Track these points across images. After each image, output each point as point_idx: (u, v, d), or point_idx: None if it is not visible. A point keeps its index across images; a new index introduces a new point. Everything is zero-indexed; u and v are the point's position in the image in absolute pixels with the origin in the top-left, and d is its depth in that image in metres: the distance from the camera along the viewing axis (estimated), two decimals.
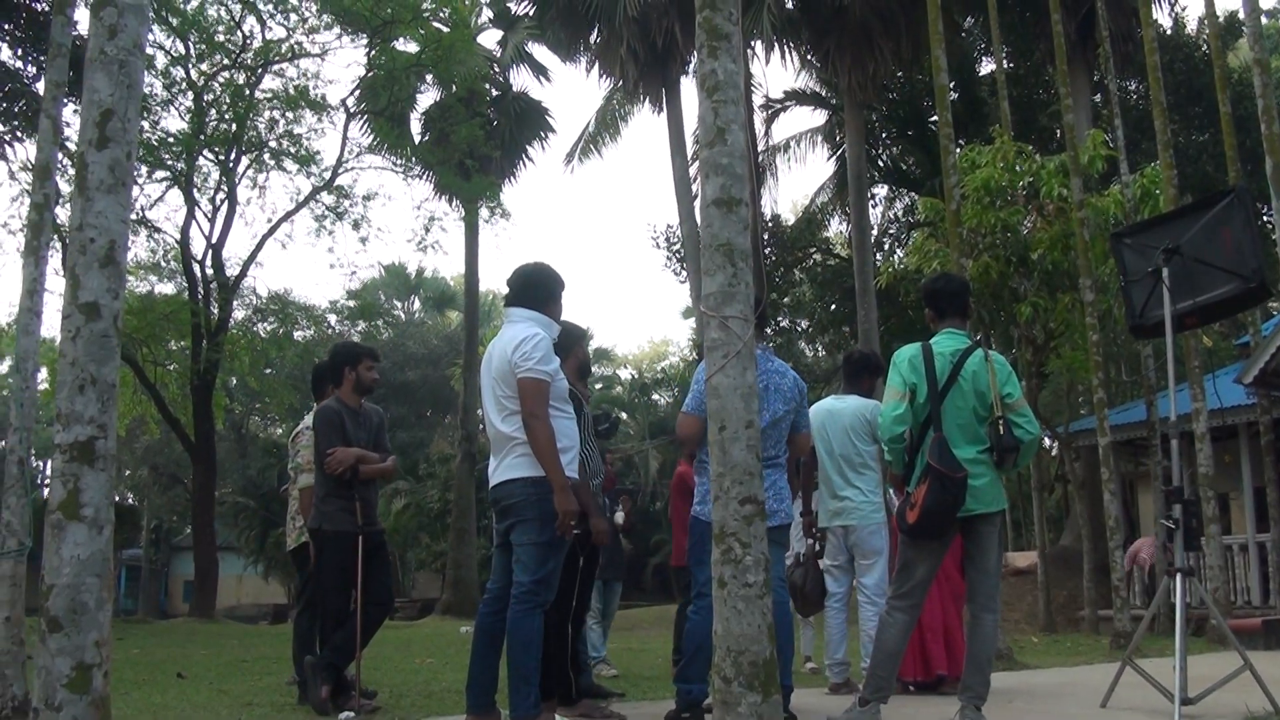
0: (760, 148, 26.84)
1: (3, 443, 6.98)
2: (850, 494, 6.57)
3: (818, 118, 27.80)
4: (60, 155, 5.91)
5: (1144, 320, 6.03)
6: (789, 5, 20.16)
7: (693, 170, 24.17)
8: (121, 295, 2.44)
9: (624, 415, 42.67)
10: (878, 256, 27.85)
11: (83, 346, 2.36)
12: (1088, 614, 13.55)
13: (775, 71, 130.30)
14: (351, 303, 28.98)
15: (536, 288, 5.10)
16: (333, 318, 24.80)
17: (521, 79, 23.81)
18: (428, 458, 35.28)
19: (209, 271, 19.33)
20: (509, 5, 22.85)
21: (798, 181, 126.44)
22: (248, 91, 18.90)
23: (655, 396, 41.02)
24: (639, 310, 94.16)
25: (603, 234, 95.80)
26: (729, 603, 3.14)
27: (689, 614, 5.04)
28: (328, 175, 19.34)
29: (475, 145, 20.16)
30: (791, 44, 21.24)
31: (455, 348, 39.08)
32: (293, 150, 18.89)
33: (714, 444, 3.29)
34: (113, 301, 2.42)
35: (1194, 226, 5.87)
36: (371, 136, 20.59)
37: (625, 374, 59.38)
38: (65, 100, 6.34)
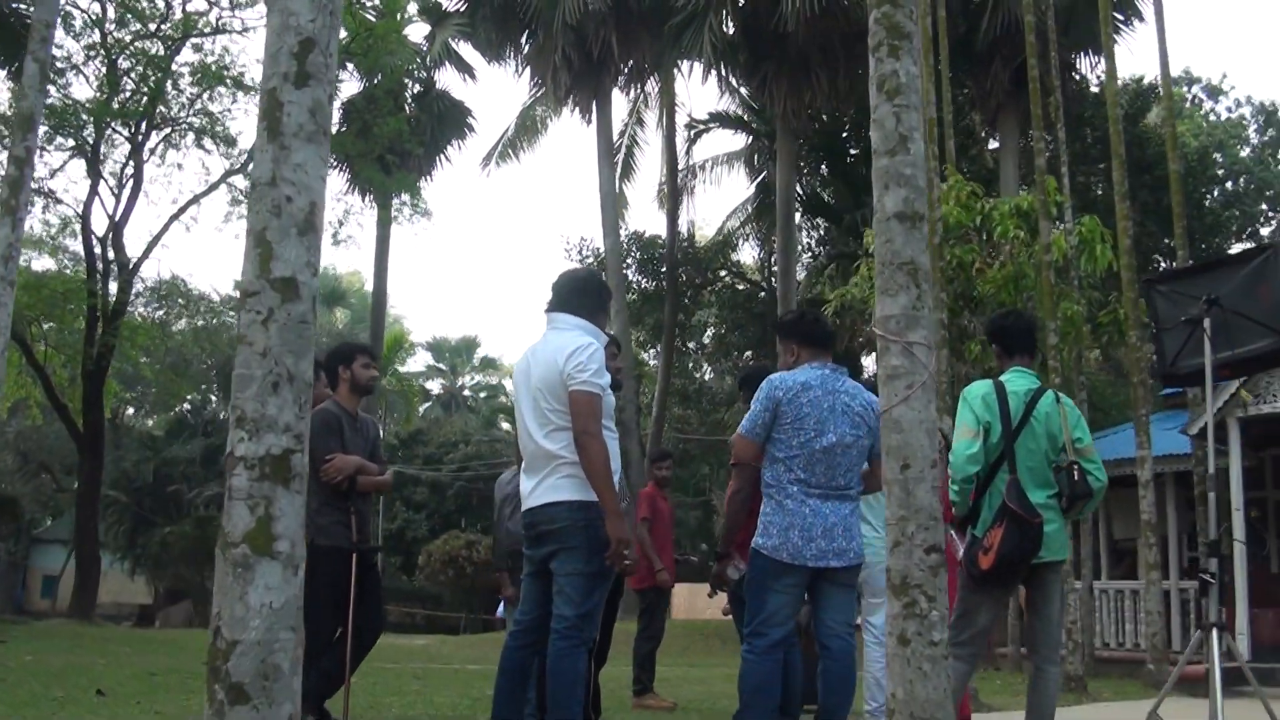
0: (680, 166, 26.77)
1: None
2: (862, 528, 6.30)
3: (736, 141, 27.94)
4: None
5: (1176, 369, 5.94)
6: (729, 29, 20.03)
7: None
8: (318, 271, 1.94)
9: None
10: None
11: (277, 334, 1.81)
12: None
13: (694, 92, 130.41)
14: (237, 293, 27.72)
15: (587, 295, 4.67)
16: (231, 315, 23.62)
17: (445, 77, 23.21)
18: None
19: (109, 252, 18.08)
20: (439, 1, 22.23)
21: (710, 203, 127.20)
22: (165, 64, 17.83)
23: None
24: (532, 320, 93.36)
25: (503, 239, 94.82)
26: (913, 663, 2.80)
27: (743, 654, 4.65)
28: (244, 158, 18.35)
29: (399, 140, 19.46)
30: (728, 67, 21.11)
31: None
32: (210, 129, 17.89)
33: (894, 484, 2.95)
34: (312, 279, 1.91)
35: (1232, 279, 5.81)
36: None
37: (511, 384, 58.65)
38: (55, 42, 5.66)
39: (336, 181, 22.02)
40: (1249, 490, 11.80)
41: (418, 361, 51.01)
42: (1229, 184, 28.15)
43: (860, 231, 25.63)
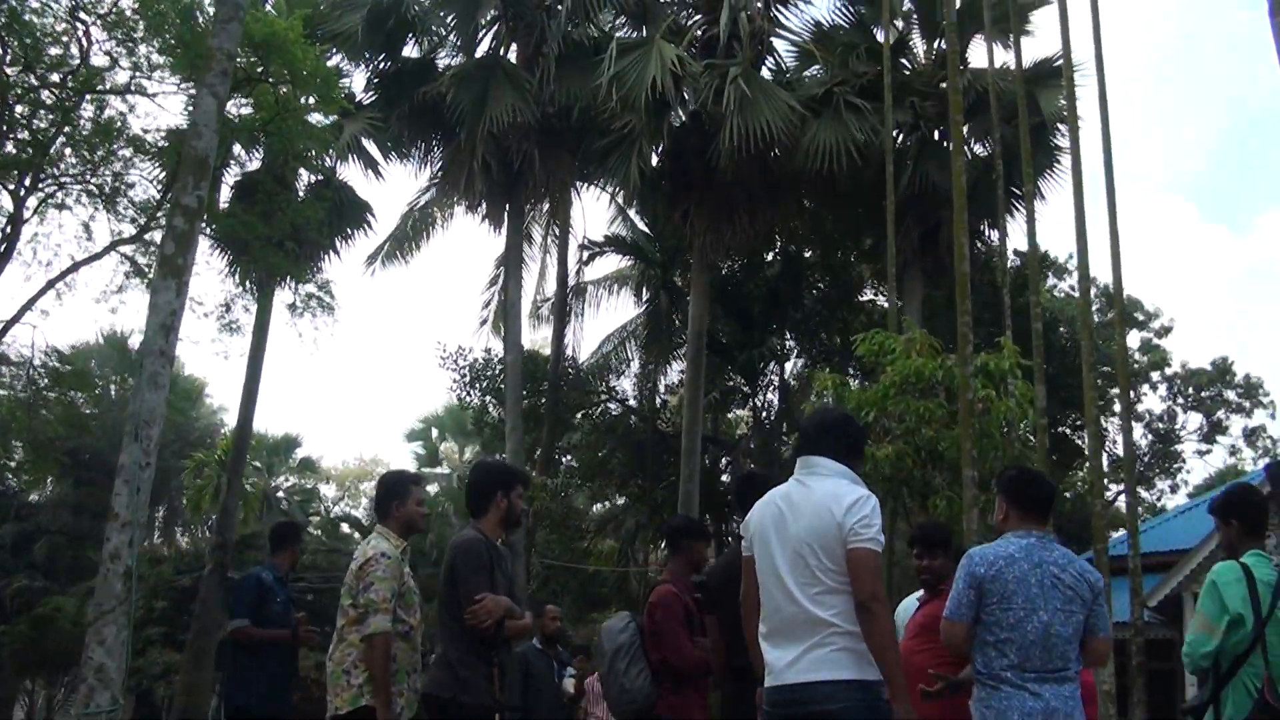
0: (570, 282, 26.49)
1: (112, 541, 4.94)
2: None
3: (609, 264, 27.85)
4: None
5: None
6: (655, 160, 20.02)
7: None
8: None
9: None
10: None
11: None
12: None
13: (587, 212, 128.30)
14: (66, 366, 25.31)
15: (849, 438, 4.17)
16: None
17: (349, 170, 22.25)
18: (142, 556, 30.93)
19: None
20: (353, 90, 21.44)
21: (586, 325, 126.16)
22: (58, 115, 16.33)
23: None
24: (358, 424, 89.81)
25: (341, 338, 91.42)
26: None
27: None
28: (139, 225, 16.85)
29: (305, 227, 18.37)
30: (652, 194, 21.10)
31: (184, 438, 35.26)
32: (101, 190, 16.39)
33: None
34: None
35: None
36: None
37: (328, 489, 56.08)
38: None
39: (218, 263, 20.52)
40: None
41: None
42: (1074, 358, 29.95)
43: (755, 370, 25.92)
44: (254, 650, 6.54)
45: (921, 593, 5.69)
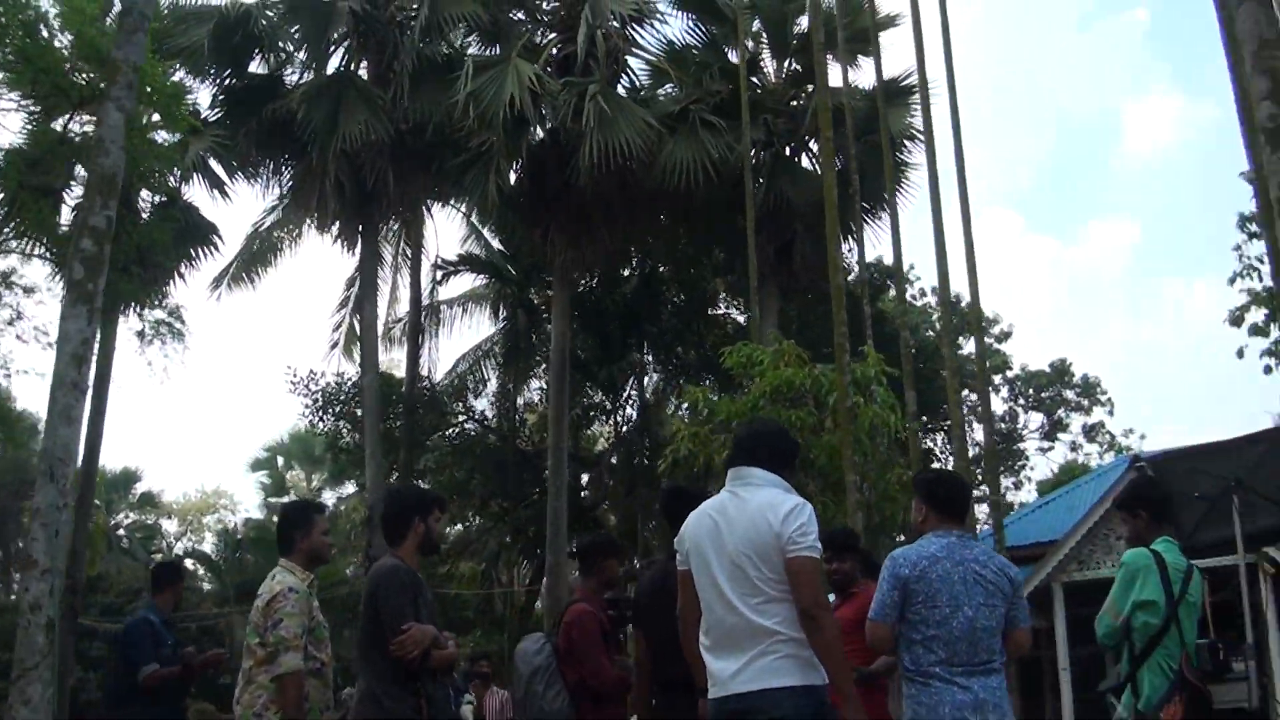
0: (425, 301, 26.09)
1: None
2: None
3: (470, 282, 27.58)
4: None
5: (1193, 541, 6.29)
6: (513, 177, 19.94)
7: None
8: None
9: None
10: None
11: None
12: None
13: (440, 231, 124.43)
14: None
15: (782, 450, 4.23)
16: None
17: (194, 190, 21.36)
18: None
19: None
20: (199, 107, 20.63)
21: (444, 345, 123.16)
22: None
23: (246, 554, 37.03)
24: (196, 454, 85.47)
25: (189, 367, 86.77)
26: None
27: None
28: None
29: (152, 250, 17.54)
30: (510, 213, 20.97)
31: (21, 476, 33.03)
32: None
33: None
34: None
35: (1241, 458, 6.27)
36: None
37: (170, 524, 53.72)
38: None
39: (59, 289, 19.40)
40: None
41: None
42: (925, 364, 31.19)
43: (615, 386, 26.01)
44: (155, 696, 6.24)
45: (832, 596, 5.84)
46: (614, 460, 26.15)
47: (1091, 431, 36.75)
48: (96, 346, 19.45)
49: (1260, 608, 12.35)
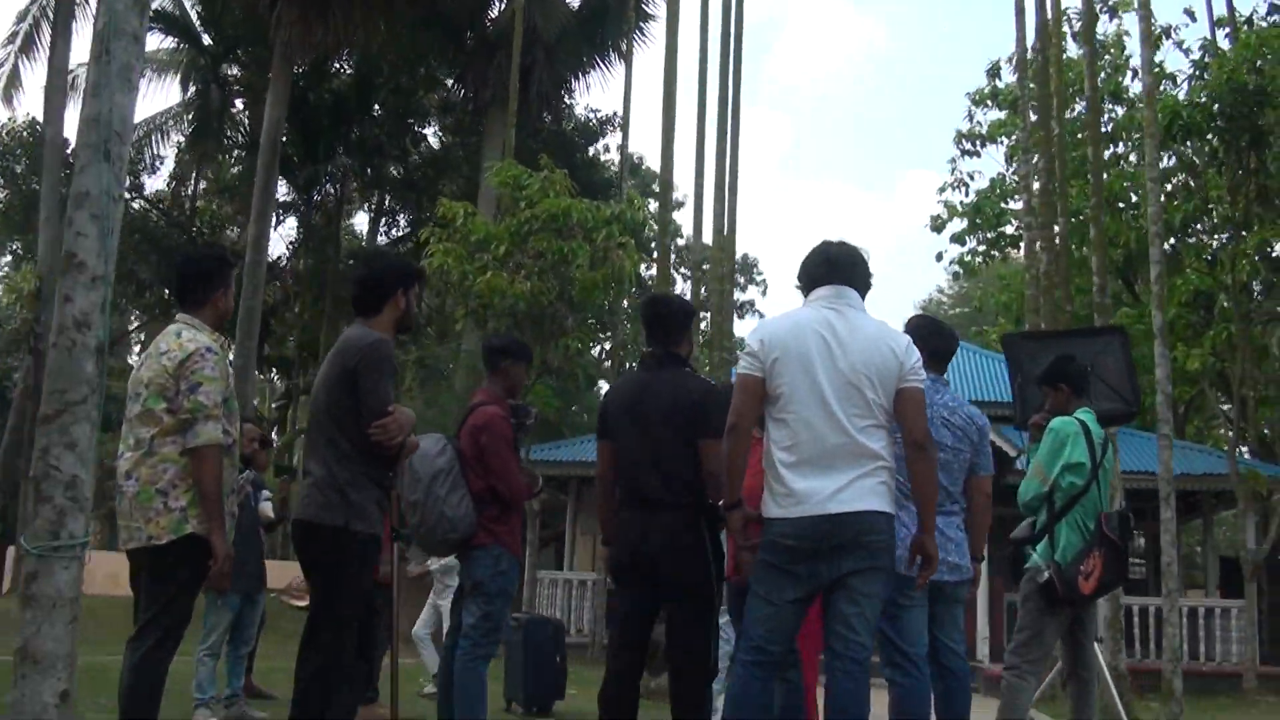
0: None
1: None
2: None
3: (156, 43, 24.36)
4: None
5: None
6: None
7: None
8: None
9: None
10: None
11: None
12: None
13: None
14: None
15: (867, 279, 4.04)
16: None
17: None
18: None
19: None
20: None
21: None
22: None
23: None
24: None
25: None
26: None
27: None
28: None
29: None
30: None
31: None
32: None
33: None
34: None
35: (1087, 348, 6.78)
36: None
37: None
38: None
39: None
40: None
41: None
42: None
43: (321, 183, 24.18)
44: None
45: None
46: (301, 263, 24.49)
47: (741, 309, 39.02)
48: None
49: None
